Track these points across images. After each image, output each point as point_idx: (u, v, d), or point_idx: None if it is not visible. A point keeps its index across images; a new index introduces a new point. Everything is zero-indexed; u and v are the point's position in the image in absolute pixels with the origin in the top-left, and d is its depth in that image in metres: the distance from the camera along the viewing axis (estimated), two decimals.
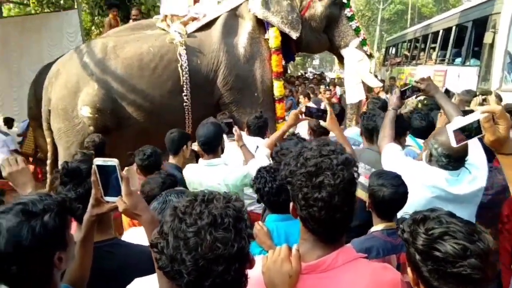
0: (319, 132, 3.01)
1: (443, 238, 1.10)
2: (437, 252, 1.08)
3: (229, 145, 3.02)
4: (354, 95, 4.86)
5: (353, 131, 3.72)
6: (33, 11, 11.18)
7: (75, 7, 8.50)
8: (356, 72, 4.80)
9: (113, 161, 1.24)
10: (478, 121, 1.21)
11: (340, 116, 3.74)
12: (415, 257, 1.13)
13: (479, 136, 1.23)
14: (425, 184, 2.00)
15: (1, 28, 7.55)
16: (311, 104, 4.73)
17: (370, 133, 2.87)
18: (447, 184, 1.99)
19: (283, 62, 4.91)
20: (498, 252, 2.17)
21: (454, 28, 8.16)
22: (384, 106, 3.47)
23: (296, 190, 1.10)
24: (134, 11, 6.71)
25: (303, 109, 2.52)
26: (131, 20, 6.31)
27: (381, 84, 5.22)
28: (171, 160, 2.97)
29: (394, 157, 2.23)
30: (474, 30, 7.07)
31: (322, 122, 2.38)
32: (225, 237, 0.90)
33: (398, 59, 13.20)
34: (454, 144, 1.26)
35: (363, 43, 4.90)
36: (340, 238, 1.17)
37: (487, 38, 6.10)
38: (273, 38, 4.65)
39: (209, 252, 0.88)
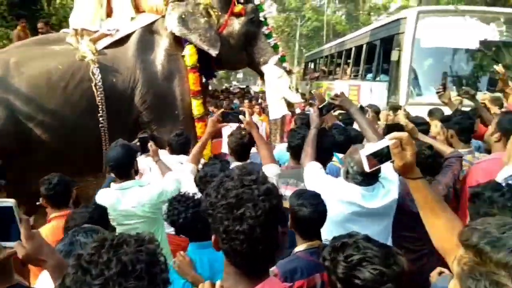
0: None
1: (362, 264, 1.14)
2: (357, 279, 1.12)
3: (150, 162, 2.92)
4: (276, 111, 4.94)
5: (280, 148, 3.79)
6: None
7: None
8: (276, 88, 4.88)
9: (10, 202, 1.12)
10: (388, 147, 1.27)
11: None
12: (337, 285, 1.16)
13: (389, 161, 1.30)
14: (343, 201, 2.09)
15: None
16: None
17: (294, 150, 2.94)
18: (362, 200, 2.10)
19: (203, 80, 4.86)
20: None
21: (364, 46, 8.77)
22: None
23: (217, 223, 1.07)
24: (40, 24, 6.27)
25: (219, 116, 2.55)
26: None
27: (301, 100, 5.40)
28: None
29: (314, 175, 2.30)
30: (383, 48, 7.64)
31: (241, 117, 2.43)
32: (137, 286, 0.82)
33: (317, 73, 13.86)
34: (367, 169, 1.32)
35: (282, 59, 5.02)
36: (265, 269, 1.15)
37: (394, 56, 6.61)
38: (188, 56, 4.59)
39: None
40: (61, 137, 4.09)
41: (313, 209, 1.90)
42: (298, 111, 6.52)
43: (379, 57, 7.76)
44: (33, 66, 4.12)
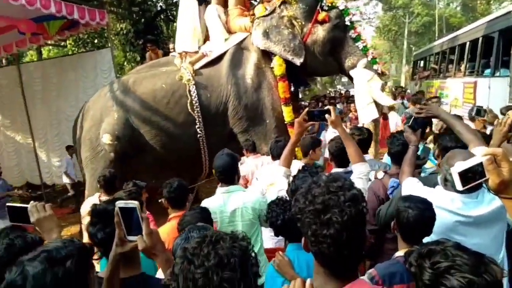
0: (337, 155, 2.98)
1: (449, 272, 1.10)
2: (444, 287, 1.09)
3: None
4: (366, 115, 4.82)
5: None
6: (70, 52, 11.91)
7: (108, 45, 9.03)
8: (366, 92, 4.77)
9: (134, 203, 1.35)
10: (481, 163, 1.21)
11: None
12: None
13: (484, 179, 1.22)
14: (444, 209, 1.98)
15: (41, 69, 8.07)
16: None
17: (395, 156, 2.88)
18: (465, 208, 1.95)
19: (292, 88, 5.01)
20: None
21: (481, 39, 8.00)
22: None
23: (306, 227, 1.14)
24: (149, 44, 7.33)
25: (305, 116, 2.54)
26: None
27: (394, 102, 5.11)
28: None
29: (412, 188, 2.20)
30: (502, 40, 6.91)
31: (327, 116, 2.39)
32: (231, 277, 0.95)
33: (427, 72, 12.97)
34: (459, 187, 1.25)
35: (372, 62, 4.90)
36: (353, 270, 1.20)
37: None
38: (277, 66, 4.84)
39: None
40: (164, 145, 4.89)
41: (420, 212, 1.84)
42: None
43: (498, 50, 7.01)
44: (144, 85, 5.00)
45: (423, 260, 1.17)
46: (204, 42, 5.41)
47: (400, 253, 1.92)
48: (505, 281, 1.48)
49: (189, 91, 4.84)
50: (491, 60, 7.33)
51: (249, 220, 2.73)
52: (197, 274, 0.96)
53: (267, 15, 4.98)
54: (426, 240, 1.89)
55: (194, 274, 0.96)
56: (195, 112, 4.83)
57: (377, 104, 4.80)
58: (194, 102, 4.82)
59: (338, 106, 10.21)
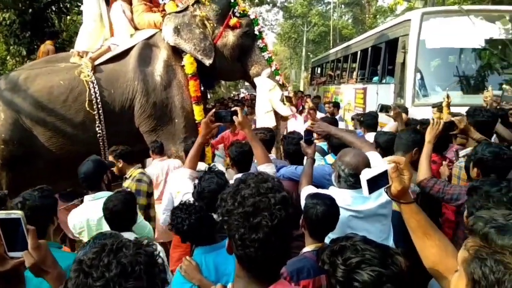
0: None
1: (360, 266, 1.15)
2: (356, 282, 1.14)
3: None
4: (264, 122, 4.96)
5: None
6: None
7: None
8: (267, 100, 4.95)
9: (17, 214, 1.15)
10: (386, 171, 1.28)
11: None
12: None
13: (387, 186, 1.30)
14: (340, 207, 2.09)
15: None
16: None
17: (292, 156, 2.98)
18: (354, 203, 2.12)
19: (202, 88, 4.99)
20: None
21: (370, 49, 8.79)
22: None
23: (233, 230, 1.08)
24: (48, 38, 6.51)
25: (212, 117, 2.52)
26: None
27: (291, 113, 5.41)
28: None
29: (310, 191, 2.30)
30: (388, 50, 7.65)
31: (234, 117, 2.42)
32: (136, 286, 0.87)
33: (323, 78, 13.88)
34: (367, 193, 1.31)
35: (275, 73, 5.12)
36: (275, 273, 1.17)
37: (399, 58, 6.63)
38: (188, 64, 4.75)
39: None
40: (61, 147, 4.42)
41: (327, 208, 1.93)
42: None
43: (384, 59, 7.76)
44: (38, 82, 4.45)
45: (335, 257, 1.20)
46: None
47: (307, 248, 2.00)
48: None
49: (89, 87, 4.45)
50: (378, 69, 8.10)
51: None
52: None
53: (179, 12, 4.86)
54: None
55: None
56: (96, 109, 4.45)
57: (276, 113, 4.99)
58: (94, 98, 4.44)
59: (245, 109, 10.42)
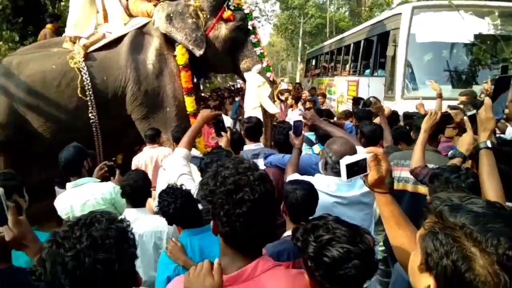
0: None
1: (330, 243, 1.21)
2: (326, 257, 1.19)
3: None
4: None
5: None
6: None
7: None
8: (255, 96, 4.96)
9: None
10: (365, 159, 1.38)
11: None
12: (308, 264, 1.24)
13: (365, 173, 1.39)
14: (324, 193, 2.18)
15: None
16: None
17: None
18: (339, 190, 2.19)
19: (194, 79, 5.00)
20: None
21: (362, 42, 8.85)
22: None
23: (218, 208, 1.15)
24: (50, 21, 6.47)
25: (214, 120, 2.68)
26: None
27: (278, 111, 5.42)
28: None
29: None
30: (380, 44, 7.72)
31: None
32: (105, 258, 0.94)
33: (318, 70, 13.94)
34: (344, 178, 1.39)
35: (266, 69, 5.11)
36: (259, 249, 1.25)
37: (390, 51, 6.70)
38: (179, 55, 4.76)
39: (89, 275, 0.92)
40: (54, 132, 4.46)
41: (306, 192, 2.01)
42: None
43: (376, 52, 7.84)
44: (31, 67, 4.48)
45: (308, 235, 1.27)
46: None
47: (288, 232, 2.06)
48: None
49: (80, 72, 4.48)
50: (370, 62, 8.18)
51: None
52: (67, 258, 0.93)
53: (172, 0, 4.87)
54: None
55: (64, 258, 0.93)
56: (88, 96, 4.49)
57: (264, 109, 4.97)
58: (86, 83, 4.48)
59: (237, 99, 10.45)
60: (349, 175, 1.38)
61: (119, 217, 1.05)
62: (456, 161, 1.92)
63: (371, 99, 5.03)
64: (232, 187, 1.13)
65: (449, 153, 1.95)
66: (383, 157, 1.38)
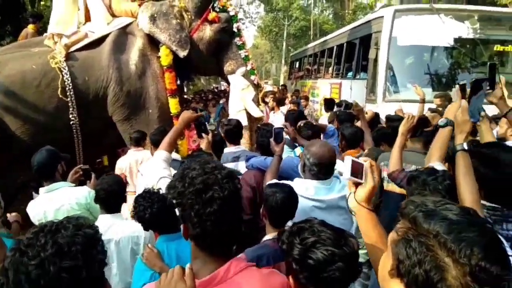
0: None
1: (315, 246, 1.22)
2: (310, 260, 1.20)
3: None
4: None
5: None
6: None
7: None
8: (239, 99, 4.92)
9: None
10: (363, 165, 1.36)
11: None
12: (293, 266, 1.24)
13: (362, 180, 1.36)
14: (303, 197, 2.16)
15: None
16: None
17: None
18: (317, 194, 2.17)
19: (178, 81, 4.93)
20: None
21: (345, 44, 8.92)
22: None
23: (188, 209, 1.14)
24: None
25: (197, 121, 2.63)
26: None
27: (262, 114, 5.38)
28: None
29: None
30: (362, 47, 7.78)
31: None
32: (71, 266, 0.90)
33: (301, 73, 14.00)
34: (347, 175, 1.36)
35: (251, 72, 5.09)
36: (229, 250, 1.25)
37: (371, 54, 6.76)
38: (163, 56, 4.69)
39: (54, 283, 0.88)
40: (33, 134, 4.31)
41: (286, 195, 1.99)
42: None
43: (358, 55, 7.90)
44: (10, 67, 4.33)
45: (293, 238, 1.28)
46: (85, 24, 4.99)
47: (268, 237, 2.04)
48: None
49: (62, 73, 4.36)
50: (353, 64, 8.24)
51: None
52: (31, 266, 0.89)
53: (157, 0, 4.81)
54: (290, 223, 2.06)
55: (28, 266, 0.89)
56: (69, 97, 4.37)
57: (248, 113, 4.92)
58: (67, 84, 4.36)
59: (221, 101, 10.42)
60: (352, 175, 1.37)
61: (90, 223, 1.01)
62: (448, 130, 1.91)
63: (353, 102, 5.07)
64: (201, 187, 1.13)
65: (440, 121, 1.95)
66: (378, 168, 1.39)
